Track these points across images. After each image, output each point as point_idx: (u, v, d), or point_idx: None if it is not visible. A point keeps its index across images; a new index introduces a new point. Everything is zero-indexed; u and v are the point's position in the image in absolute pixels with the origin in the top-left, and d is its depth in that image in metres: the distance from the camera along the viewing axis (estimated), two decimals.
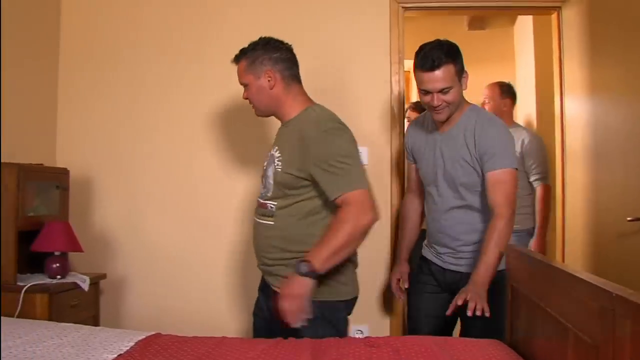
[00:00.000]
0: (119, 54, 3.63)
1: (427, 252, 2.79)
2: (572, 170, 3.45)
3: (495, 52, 5.31)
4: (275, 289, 2.31)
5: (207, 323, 3.29)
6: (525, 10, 4.04)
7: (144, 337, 2.17)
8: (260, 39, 2.46)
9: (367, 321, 3.43)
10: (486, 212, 2.51)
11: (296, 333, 2.18)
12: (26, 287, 2.79)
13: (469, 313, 2.25)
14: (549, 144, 3.81)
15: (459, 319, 2.67)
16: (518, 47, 5.27)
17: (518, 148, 3.80)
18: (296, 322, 2.11)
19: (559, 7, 3.54)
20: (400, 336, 2.32)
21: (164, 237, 3.55)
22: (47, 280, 2.93)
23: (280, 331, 2.20)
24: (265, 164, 2.48)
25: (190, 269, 3.52)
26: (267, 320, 2.45)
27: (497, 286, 2.41)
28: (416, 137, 2.81)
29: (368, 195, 2.20)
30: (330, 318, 2.33)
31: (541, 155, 3.87)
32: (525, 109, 4.63)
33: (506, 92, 4.10)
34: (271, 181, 2.37)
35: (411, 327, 2.84)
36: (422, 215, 2.94)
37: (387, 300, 3.44)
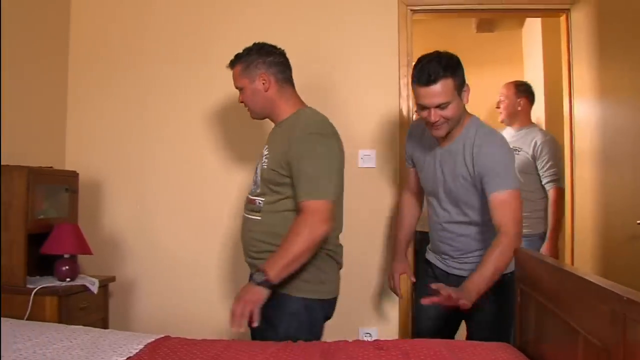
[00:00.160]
0: (127, 57, 3.64)
1: (431, 256, 2.77)
2: (581, 173, 3.43)
3: (504, 54, 5.30)
4: None
5: (216, 325, 3.29)
6: (533, 13, 4.02)
7: (153, 339, 2.17)
8: (254, 44, 2.53)
9: (376, 324, 3.43)
10: (488, 225, 2.45)
11: (268, 330, 2.26)
12: (36, 289, 2.80)
13: (441, 299, 2.15)
14: None
15: (462, 321, 2.66)
16: (526, 49, 5.26)
17: (530, 150, 3.78)
18: (239, 326, 2.15)
19: (568, 10, 3.53)
20: (409, 339, 2.30)
21: (173, 239, 3.55)
22: (57, 283, 2.94)
23: (251, 330, 2.27)
24: (257, 162, 2.55)
25: (199, 271, 3.53)
26: None
27: (504, 289, 2.40)
28: (416, 145, 2.71)
29: (328, 207, 2.25)
30: (306, 316, 2.37)
31: (554, 157, 3.77)
32: (533, 112, 4.60)
33: (522, 91, 4.01)
34: (259, 178, 2.46)
35: (415, 328, 2.84)
36: (420, 211, 2.94)
37: (395, 303, 3.43)
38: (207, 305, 3.49)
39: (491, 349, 2.07)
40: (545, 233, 3.80)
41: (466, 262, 2.57)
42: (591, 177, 3.32)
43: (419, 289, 2.83)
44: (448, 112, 2.35)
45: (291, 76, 2.55)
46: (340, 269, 2.53)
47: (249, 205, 2.49)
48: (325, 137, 2.35)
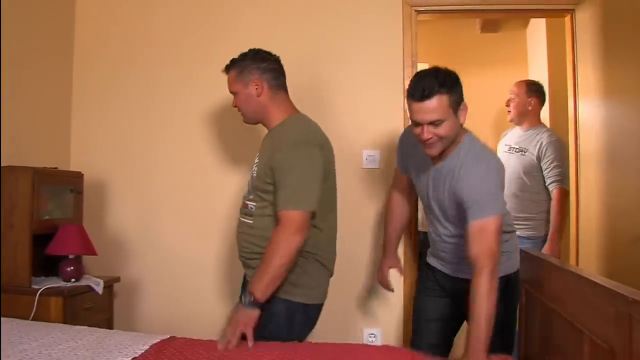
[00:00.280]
0: (132, 58, 3.65)
1: (432, 260, 2.74)
2: (586, 173, 3.42)
3: (508, 55, 5.29)
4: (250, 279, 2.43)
5: (220, 325, 3.29)
6: (538, 13, 4.00)
7: (158, 340, 2.18)
8: (250, 50, 2.58)
9: (380, 325, 3.43)
10: None
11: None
12: (41, 290, 2.81)
13: None
14: None
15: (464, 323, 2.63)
16: (531, 50, 5.25)
17: (535, 151, 3.76)
18: (228, 347, 2.15)
19: (573, 10, 3.52)
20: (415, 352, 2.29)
21: (177, 240, 3.56)
22: (62, 284, 2.95)
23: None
24: (251, 166, 2.60)
25: (204, 271, 3.53)
26: None
27: (509, 289, 2.37)
28: (410, 156, 2.63)
29: (304, 218, 2.27)
30: (286, 318, 2.39)
31: (559, 158, 3.72)
32: None
33: (533, 90, 3.96)
34: (251, 183, 2.52)
35: (413, 329, 2.79)
36: (410, 210, 2.95)
37: (400, 304, 3.43)
38: (211, 305, 3.49)
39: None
40: (560, 239, 3.73)
41: (467, 265, 2.51)
42: (596, 177, 3.31)
43: (420, 291, 2.80)
44: (442, 130, 2.25)
45: (285, 82, 2.59)
46: (330, 276, 2.57)
47: (243, 209, 2.55)
48: (308, 146, 2.37)
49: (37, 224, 2.91)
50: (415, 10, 3.49)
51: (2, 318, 2.43)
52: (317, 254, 2.43)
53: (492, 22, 5.25)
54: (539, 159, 3.76)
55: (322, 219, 2.43)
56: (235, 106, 2.59)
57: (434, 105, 2.21)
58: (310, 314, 2.46)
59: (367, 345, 2.26)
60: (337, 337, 2.81)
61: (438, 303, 2.67)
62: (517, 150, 3.86)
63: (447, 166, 2.37)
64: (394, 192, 2.92)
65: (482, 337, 2.07)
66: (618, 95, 3.09)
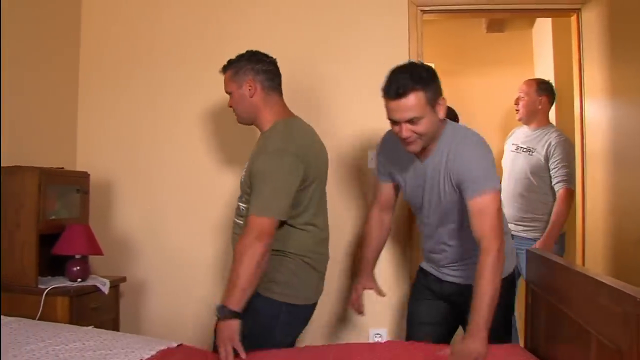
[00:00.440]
0: (138, 58, 3.66)
1: (424, 264, 2.70)
2: (593, 173, 3.42)
3: (514, 54, 5.28)
4: None
5: None
6: (544, 13, 4.00)
7: (165, 347, 2.19)
8: (247, 51, 2.62)
9: (386, 325, 3.43)
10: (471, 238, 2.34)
11: None
12: (47, 289, 2.81)
13: None
14: None
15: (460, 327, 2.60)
16: (537, 49, 5.24)
17: (543, 151, 3.72)
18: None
19: (579, 9, 3.51)
20: (420, 342, 2.29)
21: (183, 240, 3.56)
22: (68, 283, 2.95)
23: None
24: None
25: (210, 271, 3.53)
26: None
27: (506, 291, 2.31)
28: (392, 159, 2.57)
29: (270, 225, 2.28)
30: (267, 316, 2.40)
31: (566, 158, 3.66)
32: None
33: (543, 89, 3.91)
34: (241, 186, 2.55)
35: (407, 334, 2.74)
36: (388, 231, 2.78)
37: (405, 304, 3.42)
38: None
39: (503, 351, 2.06)
40: (557, 237, 3.71)
41: (459, 269, 2.50)
42: (602, 178, 3.30)
43: (413, 295, 2.77)
44: (420, 127, 2.21)
45: (280, 84, 2.61)
46: (320, 277, 2.56)
47: (236, 210, 2.58)
48: (284, 154, 2.37)
49: (43, 224, 2.91)
50: (421, 10, 3.49)
51: (9, 318, 2.44)
52: (303, 255, 2.45)
53: (498, 21, 5.23)
54: (546, 159, 3.71)
55: (307, 221, 2.45)
56: (230, 106, 2.63)
57: (411, 102, 2.18)
58: (298, 314, 2.46)
59: (371, 342, 2.25)
60: (343, 337, 2.82)
61: (431, 306, 2.63)
62: (524, 150, 3.84)
63: (436, 157, 2.34)
64: (374, 210, 2.76)
65: (485, 317, 2.06)
66: (625, 95, 3.08)
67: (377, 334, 3.41)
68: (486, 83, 5.10)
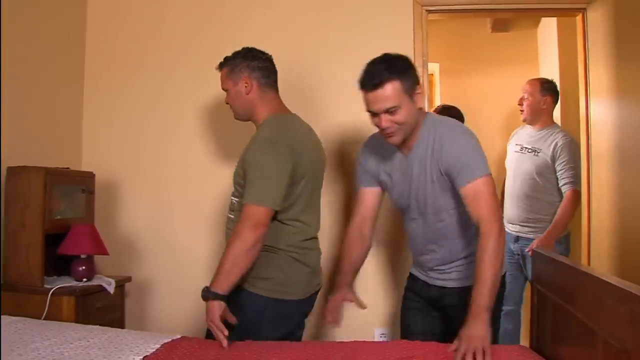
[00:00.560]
0: (143, 58, 3.67)
1: (414, 270, 2.66)
2: (598, 173, 3.41)
3: (519, 54, 5.27)
4: None
5: None
6: (549, 12, 3.99)
7: (169, 340, 2.19)
8: (243, 48, 2.66)
9: (391, 324, 3.42)
10: (467, 230, 2.36)
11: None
12: (53, 289, 2.83)
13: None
14: None
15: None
16: (542, 49, 5.23)
17: (549, 152, 3.71)
18: (223, 344, 2.18)
19: (584, 9, 3.50)
20: (421, 342, 2.28)
21: (188, 239, 3.57)
22: (74, 283, 2.96)
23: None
24: None
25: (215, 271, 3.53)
26: None
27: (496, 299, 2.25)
28: (377, 162, 2.52)
29: (262, 213, 2.29)
30: (253, 311, 2.41)
31: (573, 159, 3.65)
32: None
33: (547, 89, 3.91)
34: (233, 180, 2.57)
35: None
36: (369, 245, 2.63)
37: None
38: None
39: (509, 351, 2.06)
40: (562, 237, 3.71)
41: (445, 272, 2.46)
42: (608, 178, 3.30)
43: (404, 305, 2.69)
44: (399, 116, 2.22)
45: (275, 81, 2.65)
46: (311, 272, 2.56)
47: (230, 205, 2.60)
48: (275, 144, 2.39)
49: (49, 224, 2.92)
50: (426, 10, 3.49)
51: (14, 317, 2.45)
52: (289, 250, 2.46)
53: (503, 21, 5.23)
54: (553, 159, 3.70)
55: (294, 217, 2.46)
56: (227, 103, 2.67)
57: (387, 92, 2.19)
58: (285, 310, 2.44)
59: (378, 342, 2.25)
60: (348, 337, 2.80)
61: (421, 317, 2.58)
62: (529, 150, 3.83)
63: (420, 148, 2.32)
64: (354, 223, 2.62)
65: (486, 300, 2.06)
66: (630, 95, 3.08)
67: (383, 333, 3.41)
68: (491, 83, 5.10)
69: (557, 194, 3.71)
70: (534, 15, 4.69)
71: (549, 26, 4.92)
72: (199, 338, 2.31)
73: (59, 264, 3.07)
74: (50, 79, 3.38)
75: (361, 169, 2.58)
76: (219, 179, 3.55)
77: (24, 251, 2.88)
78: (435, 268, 2.48)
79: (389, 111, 2.21)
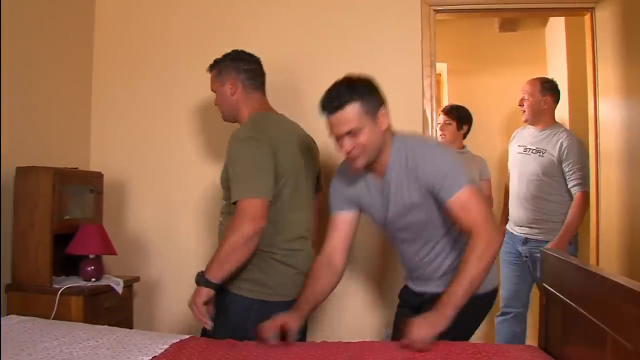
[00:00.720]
0: (151, 59, 3.67)
1: (407, 279, 2.61)
2: (607, 173, 3.39)
3: (527, 54, 5.25)
4: None
5: None
6: (557, 12, 3.97)
7: (178, 340, 2.20)
8: (232, 50, 2.74)
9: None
10: (453, 242, 2.34)
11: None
12: (62, 289, 2.84)
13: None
14: None
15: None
16: (550, 48, 5.22)
17: (555, 152, 3.70)
18: (206, 326, 2.32)
19: (592, 8, 3.49)
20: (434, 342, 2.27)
21: (197, 240, 3.57)
22: (82, 283, 2.97)
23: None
24: None
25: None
26: None
27: (475, 309, 2.26)
28: (353, 187, 2.43)
29: (258, 205, 2.32)
30: (238, 313, 2.44)
31: (581, 160, 3.64)
32: (557, 112, 4.58)
33: (547, 89, 3.91)
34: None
35: None
36: (339, 275, 2.47)
37: None
38: None
39: (519, 351, 2.06)
40: (570, 240, 3.68)
41: (432, 279, 2.41)
42: (617, 177, 3.28)
43: (398, 310, 2.67)
44: (361, 139, 2.17)
45: (263, 83, 2.71)
46: (298, 273, 2.53)
47: (221, 209, 2.64)
48: (253, 139, 2.42)
49: (57, 224, 2.93)
50: (434, 10, 3.48)
51: (23, 317, 2.47)
52: (270, 251, 2.46)
53: (511, 21, 5.21)
54: (559, 160, 3.69)
55: (274, 217, 2.43)
56: (216, 104, 2.74)
57: (347, 115, 2.16)
58: (271, 312, 2.34)
59: (386, 342, 2.25)
60: (357, 337, 2.80)
61: (402, 323, 2.54)
62: (534, 151, 3.82)
63: (394, 169, 2.28)
64: (325, 251, 2.47)
65: (457, 298, 2.04)
66: (639, 94, 3.06)
67: (389, 334, 3.40)
68: (499, 83, 5.08)
69: (565, 194, 3.70)
70: (542, 14, 4.68)
71: (557, 26, 4.90)
72: (206, 338, 2.31)
73: (67, 264, 3.08)
74: (58, 80, 3.39)
75: (336, 193, 2.50)
76: None
77: (33, 251, 2.89)
78: (421, 277, 2.46)
79: (351, 133, 2.17)
